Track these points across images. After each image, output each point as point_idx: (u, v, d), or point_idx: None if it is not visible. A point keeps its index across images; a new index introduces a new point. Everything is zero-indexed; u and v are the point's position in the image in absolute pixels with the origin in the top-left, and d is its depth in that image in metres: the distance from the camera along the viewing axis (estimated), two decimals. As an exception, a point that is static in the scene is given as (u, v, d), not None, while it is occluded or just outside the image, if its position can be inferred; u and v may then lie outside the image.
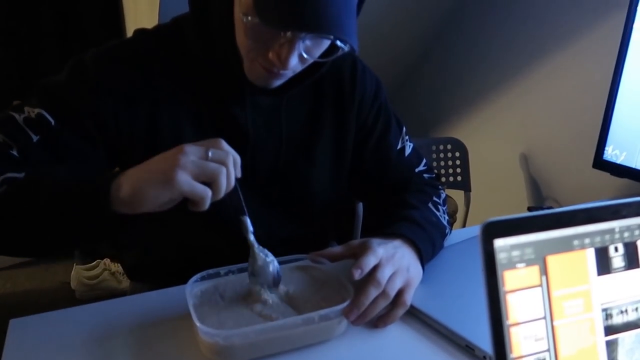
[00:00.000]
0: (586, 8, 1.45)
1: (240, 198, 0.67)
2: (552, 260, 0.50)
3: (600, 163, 1.20)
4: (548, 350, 0.49)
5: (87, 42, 2.11)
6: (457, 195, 1.65)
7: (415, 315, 0.73)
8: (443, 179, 1.61)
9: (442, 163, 1.61)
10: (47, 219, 0.61)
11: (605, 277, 0.51)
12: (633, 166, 1.13)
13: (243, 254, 0.74)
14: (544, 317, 0.49)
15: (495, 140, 1.82)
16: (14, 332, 0.68)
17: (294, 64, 0.69)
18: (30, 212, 0.61)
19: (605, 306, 0.51)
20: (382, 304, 0.70)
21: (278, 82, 0.75)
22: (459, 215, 1.62)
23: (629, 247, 0.53)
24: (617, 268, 0.52)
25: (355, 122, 0.91)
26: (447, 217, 0.93)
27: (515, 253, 0.49)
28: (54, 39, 2.10)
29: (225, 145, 0.62)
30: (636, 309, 0.52)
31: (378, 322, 0.71)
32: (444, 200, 0.98)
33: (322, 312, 0.64)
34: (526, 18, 1.65)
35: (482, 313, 0.71)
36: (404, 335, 0.70)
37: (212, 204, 0.61)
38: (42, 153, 0.70)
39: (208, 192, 0.59)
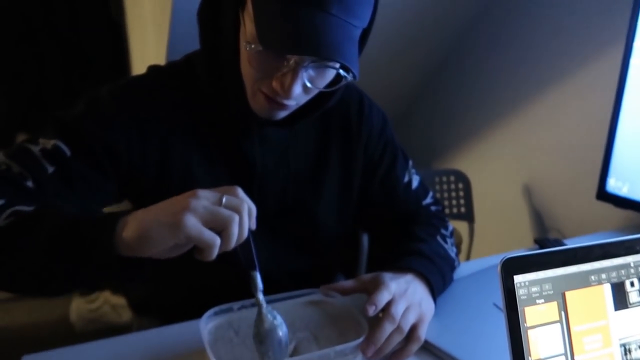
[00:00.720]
0: (586, 43, 1.49)
1: (253, 251, 0.62)
2: (571, 296, 0.51)
3: (604, 195, 1.21)
4: (570, 386, 0.49)
5: (91, 78, 2.15)
6: (461, 226, 1.66)
7: (429, 350, 0.73)
8: (447, 211, 1.62)
9: (446, 194, 1.62)
10: (47, 256, 0.59)
11: (623, 312, 0.52)
12: (636, 198, 1.15)
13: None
14: (564, 353, 0.50)
15: (498, 172, 1.83)
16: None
17: (297, 93, 0.69)
18: (31, 246, 0.59)
19: (623, 341, 0.52)
20: (397, 339, 0.70)
21: (282, 114, 0.76)
22: (463, 247, 1.62)
23: (646, 283, 0.53)
24: (634, 303, 0.53)
25: (362, 157, 0.92)
26: (455, 250, 0.93)
27: (535, 289, 0.49)
28: (59, 74, 2.13)
29: (241, 193, 0.59)
30: (655, 345, 0.53)
31: (392, 357, 0.71)
32: (452, 233, 0.98)
33: (338, 347, 0.64)
34: (527, 52, 1.69)
35: (496, 347, 0.71)
36: (419, 371, 0.70)
37: (221, 255, 0.57)
38: (57, 184, 0.70)
39: (217, 241, 0.56)
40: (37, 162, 0.70)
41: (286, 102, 0.71)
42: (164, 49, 1.47)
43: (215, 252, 0.56)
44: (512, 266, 0.48)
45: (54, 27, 2.06)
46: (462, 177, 1.64)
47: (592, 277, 0.52)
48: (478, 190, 1.66)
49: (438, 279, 0.80)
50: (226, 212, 0.56)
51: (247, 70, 0.71)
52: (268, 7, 0.64)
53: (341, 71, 0.70)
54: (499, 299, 0.83)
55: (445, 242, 0.92)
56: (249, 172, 0.82)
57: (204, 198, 0.57)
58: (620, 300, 0.52)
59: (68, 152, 0.71)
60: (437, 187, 1.62)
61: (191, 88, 0.80)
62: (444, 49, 1.97)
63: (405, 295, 0.73)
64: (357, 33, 0.68)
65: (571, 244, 0.93)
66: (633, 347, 0.52)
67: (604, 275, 0.52)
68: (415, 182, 0.99)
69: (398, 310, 0.70)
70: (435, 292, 0.78)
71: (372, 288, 0.73)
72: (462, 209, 1.63)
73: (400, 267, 0.80)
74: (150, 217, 0.57)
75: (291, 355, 0.67)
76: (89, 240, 0.57)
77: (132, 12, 1.98)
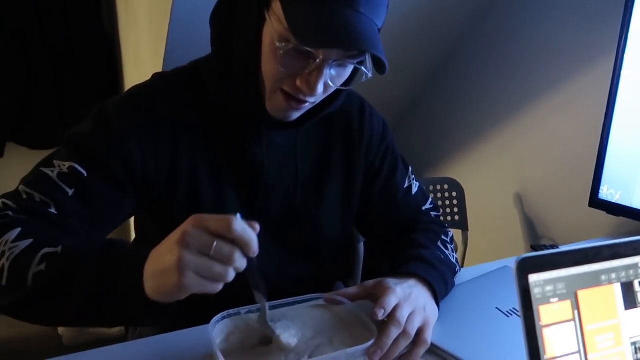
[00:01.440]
0: (577, 54, 1.53)
1: (259, 278, 0.62)
2: (583, 295, 0.52)
3: (596, 202, 1.24)
4: (584, 384, 0.50)
5: (82, 87, 2.13)
6: (455, 234, 1.67)
7: (436, 354, 0.74)
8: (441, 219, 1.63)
9: (440, 203, 1.64)
10: (83, 305, 0.61)
11: (633, 311, 0.53)
12: (628, 205, 1.17)
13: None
14: (578, 352, 0.51)
15: (491, 180, 1.86)
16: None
17: (320, 91, 0.72)
18: (68, 297, 0.61)
19: (634, 340, 0.53)
20: (404, 344, 0.70)
21: (296, 114, 0.77)
22: (458, 255, 1.64)
23: (655, 282, 0.54)
24: (643, 302, 0.54)
25: (363, 163, 0.94)
26: (455, 255, 0.94)
27: (549, 288, 0.50)
28: (50, 84, 2.11)
29: (235, 228, 0.55)
30: (666, 342, 0.54)
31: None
32: (452, 239, 1.00)
33: (349, 350, 0.65)
34: (520, 62, 1.72)
35: (500, 348, 0.72)
36: (427, 374, 0.71)
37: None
38: (78, 205, 0.71)
39: (218, 287, 0.56)
40: (57, 187, 0.70)
41: (308, 99, 0.73)
42: (161, 57, 1.47)
43: (218, 289, 0.57)
44: (527, 265, 0.49)
45: (45, 36, 2.05)
46: (456, 186, 1.66)
47: (603, 277, 0.53)
48: (471, 198, 1.68)
49: (440, 284, 0.81)
50: (217, 270, 0.55)
51: (270, 69, 0.72)
52: (298, 4, 0.66)
53: (362, 68, 0.73)
54: (501, 303, 0.85)
55: (446, 248, 0.93)
56: (256, 177, 0.83)
57: (194, 246, 0.54)
58: (630, 299, 0.53)
59: (85, 173, 0.72)
60: (431, 195, 1.64)
61: (198, 94, 0.80)
62: (437, 58, 2.00)
63: (410, 300, 0.73)
64: (377, 30, 0.71)
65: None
66: (643, 345, 0.53)
67: (613, 275, 0.53)
68: (415, 188, 1.00)
69: (403, 314, 0.71)
70: (439, 296, 0.79)
71: (379, 293, 0.74)
72: (456, 217, 1.65)
73: (403, 272, 0.81)
74: (156, 279, 0.56)
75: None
76: (121, 297, 0.59)
77: (124, 20, 1.98)
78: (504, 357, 0.71)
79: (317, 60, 0.69)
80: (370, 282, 0.80)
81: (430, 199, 1.04)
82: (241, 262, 0.55)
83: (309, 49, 0.68)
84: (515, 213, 1.74)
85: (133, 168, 0.75)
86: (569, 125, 1.56)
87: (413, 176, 1.01)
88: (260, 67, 0.73)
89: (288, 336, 0.68)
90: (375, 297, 0.75)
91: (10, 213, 0.68)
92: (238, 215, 0.55)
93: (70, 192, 0.70)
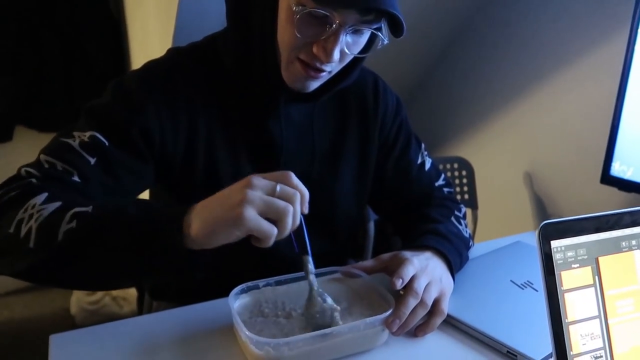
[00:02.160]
0: (589, 27, 1.51)
1: (305, 237, 0.65)
2: (604, 261, 0.52)
3: (608, 179, 1.24)
4: (604, 348, 0.51)
5: (90, 68, 2.13)
6: (464, 213, 1.68)
7: (452, 325, 0.75)
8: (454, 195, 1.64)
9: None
10: (118, 258, 0.60)
11: (652, 277, 0.54)
12: (640, 181, 1.17)
13: (274, 273, 0.77)
14: (599, 316, 0.51)
15: (501, 159, 1.86)
16: (56, 348, 0.67)
17: (337, 58, 0.71)
18: (102, 251, 0.60)
19: (653, 305, 0.53)
20: (421, 314, 0.71)
21: (314, 84, 0.77)
22: (467, 233, 1.64)
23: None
24: (662, 268, 0.54)
25: (377, 138, 0.94)
26: (468, 231, 0.95)
27: (570, 254, 0.51)
28: (57, 66, 2.11)
29: (294, 180, 0.60)
30: (686, 306, 0.54)
31: (417, 331, 0.72)
32: (464, 215, 1.00)
33: (368, 320, 0.66)
34: (530, 38, 1.71)
35: (515, 319, 0.73)
36: (444, 343, 0.72)
37: (276, 242, 0.60)
38: (101, 174, 0.71)
39: (274, 231, 0.58)
40: (79, 155, 0.70)
41: (325, 67, 0.73)
42: (170, 36, 1.47)
43: (272, 241, 0.59)
44: (550, 231, 0.50)
45: (52, 19, 2.04)
46: (465, 165, 1.66)
47: (623, 244, 0.53)
48: (481, 177, 1.68)
49: (455, 256, 0.82)
50: (281, 204, 0.58)
51: (287, 37, 0.72)
52: None
53: (379, 34, 0.73)
54: (515, 276, 0.86)
55: (459, 223, 0.94)
56: (273, 151, 0.83)
57: (259, 188, 0.58)
58: (649, 266, 0.54)
59: (106, 142, 0.72)
60: (441, 174, 1.64)
61: (214, 67, 0.80)
62: (446, 37, 1.98)
63: (427, 271, 0.74)
64: None
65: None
66: (661, 311, 0.54)
67: (634, 241, 0.54)
68: (428, 164, 1.01)
69: (421, 285, 0.72)
70: (454, 268, 0.80)
71: (395, 264, 0.75)
72: (466, 196, 1.65)
73: (418, 245, 0.81)
74: (213, 215, 0.58)
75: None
76: (162, 243, 0.59)
77: (132, 3, 1.96)
78: (520, 327, 0.72)
79: (334, 26, 0.68)
80: (386, 255, 0.81)
81: (444, 175, 1.05)
82: (298, 206, 0.59)
83: (324, 12, 0.68)
84: (525, 191, 1.74)
85: (151, 138, 0.75)
86: (580, 102, 1.55)
87: (426, 152, 1.02)
88: (276, 38, 0.73)
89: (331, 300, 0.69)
90: (392, 269, 0.76)
91: (34, 180, 0.68)
92: (292, 174, 0.60)
93: (93, 160, 0.70)
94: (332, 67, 0.74)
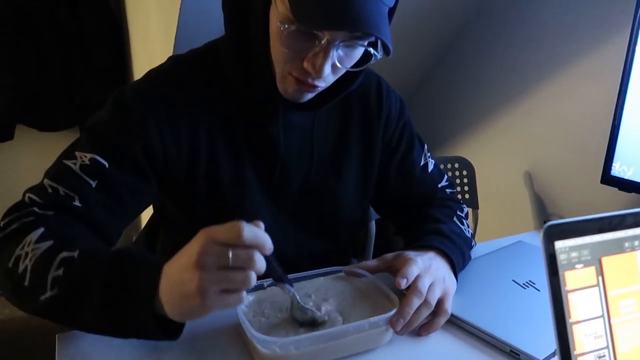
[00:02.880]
0: (590, 27, 1.52)
1: (278, 270, 0.62)
2: (607, 262, 0.53)
3: (608, 179, 1.24)
4: (607, 347, 0.52)
5: (91, 67, 2.13)
6: (464, 213, 1.69)
7: (456, 324, 0.75)
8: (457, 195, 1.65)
9: (450, 181, 1.64)
10: (98, 319, 0.61)
11: (655, 278, 0.54)
12: (641, 181, 1.18)
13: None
14: (602, 316, 0.52)
15: (501, 159, 1.86)
16: (62, 346, 0.68)
17: (328, 73, 0.70)
18: (82, 309, 0.61)
19: (655, 305, 0.54)
20: (425, 313, 0.72)
21: (309, 96, 0.77)
22: (468, 233, 1.65)
23: (679, 248, 0.55)
24: (665, 269, 0.55)
25: (380, 141, 0.94)
26: (470, 231, 0.95)
27: (574, 254, 0.51)
28: (59, 66, 2.11)
29: (246, 237, 0.53)
30: (689, 306, 0.55)
31: (421, 330, 0.73)
32: (466, 215, 1.01)
33: (372, 319, 0.66)
34: (530, 36, 1.71)
35: (518, 318, 0.74)
36: (447, 342, 0.72)
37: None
38: (102, 196, 0.72)
39: (242, 298, 0.55)
40: (80, 180, 0.72)
41: (316, 82, 0.72)
42: (172, 36, 1.47)
43: (242, 301, 0.56)
44: (554, 232, 0.50)
45: (53, 18, 2.04)
46: (466, 164, 1.66)
47: (626, 244, 0.54)
48: (482, 177, 1.68)
49: (458, 256, 0.83)
50: (238, 277, 0.53)
51: (277, 52, 0.71)
52: None
53: (371, 49, 0.71)
54: (517, 276, 0.86)
55: (462, 223, 0.94)
56: (273, 156, 0.83)
57: (211, 265, 0.53)
58: (652, 266, 0.54)
59: (106, 164, 0.73)
60: (442, 174, 1.64)
61: (215, 75, 0.80)
62: (447, 37, 1.99)
63: (430, 271, 0.75)
64: (386, 11, 0.69)
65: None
66: (664, 311, 0.54)
67: (636, 242, 0.54)
68: (431, 166, 1.01)
69: (424, 284, 0.72)
70: (457, 268, 0.81)
71: (399, 264, 0.75)
72: (467, 196, 1.66)
73: (421, 245, 0.82)
74: (176, 304, 0.56)
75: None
76: (135, 322, 0.59)
77: (133, 2, 1.97)
78: (523, 326, 0.73)
79: (323, 42, 0.67)
80: (390, 255, 0.81)
81: (447, 177, 1.05)
82: (261, 263, 0.54)
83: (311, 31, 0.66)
84: (525, 191, 1.75)
85: (153, 153, 0.75)
86: (581, 102, 1.56)
87: (429, 154, 1.02)
88: (270, 50, 0.73)
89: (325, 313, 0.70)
90: (395, 269, 0.76)
91: (36, 209, 0.70)
92: (243, 222, 0.54)
93: (94, 183, 0.72)
94: (326, 81, 0.74)
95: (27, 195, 0.73)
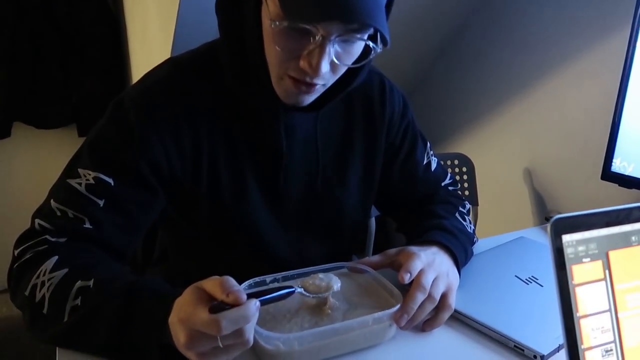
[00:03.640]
0: (591, 23, 1.51)
1: (276, 296, 0.61)
2: (614, 255, 0.52)
3: (609, 175, 1.24)
4: (614, 341, 0.52)
5: (88, 64, 2.12)
6: (464, 210, 1.68)
7: (459, 320, 0.75)
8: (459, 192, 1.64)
9: (450, 178, 1.64)
10: (107, 350, 0.63)
11: (661, 272, 0.54)
12: (641, 177, 1.18)
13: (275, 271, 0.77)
14: (609, 310, 0.52)
15: (501, 155, 1.86)
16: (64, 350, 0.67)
17: (326, 71, 0.66)
18: (96, 338, 0.63)
19: (662, 299, 0.54)
20: (429, 308, 0.72)
21: (309, 99, 0.74)
22: (468, 229, 1.65)
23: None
24: (671, 263, 0.55)
25: (384, 141, 0.92)
26: (472, 227, 0.95)
27: (581, 248, 0.51)
28: (56, 64, 2.10)
29: (225, 324, 0.52)
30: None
31: (425, 326, 0.72)
32: (469, 211, 1.00)
33: (376, 315, 0.66)
34: (531, 33, 1.71)
35: (525, 315, 0.73)
36: (451, 338, 0.72)
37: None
38: (111, 215, 0.72)
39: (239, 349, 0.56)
40: (88, 200, 0.71)
41: (315, 81, 0.69)
42: (171, 34, 1.46)
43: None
44: (561, 226, 0.50)
45: (50, 15, 2.03)
46: (465, 161, 1.66)
47: (633, 238, 0.54)
48: (482, 173, 1.68)
49: (461, 251, 0.82)
50: (233, 351, 0.56)
51: (272, 53, 0.69)
52: None
53: (370, 43, 0.68)
54: (520, 271, 0.86)
55: (464, 219, 0.94)
56: (275, 162, 0.82)
57: (202, 349, 0.55)
58: (658, 260, 0.54)
59: (111, 182, 0.72)
60: (441, 171, 1.64)
61: (215, 81, 0.78)
62: (446, 33, 1.99)
63: (434, 266, 0.75)
64: (383, 3, 0.67)
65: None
66: (670, 305, 0.54)
67: (643, 236, 0.54)
68: (434, 164, 1.00)
69: (428, 279, 0.72)
70: (459, 263, 0.80)
71: (403, 259, 0.75)
72: (466, 192, 1.65)
73: (424, 240, 0.82)
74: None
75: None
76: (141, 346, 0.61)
77: (131, 0, 1.95)
78: (526, 322, 0.73)
79: (317, 37, 0.64)
80: (393, 250, 0.81)
81: (450, 174, 1.05)
82: (250, 334, 0.55)
83: (303, 25, 0.63)
84: (525, 188, 1.75)
85: (158, 167, 0.74)
86: (581, 98, 1.56)
87: (431, 152, 1.01)
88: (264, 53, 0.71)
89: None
90: (398, 264, 0.76)
91: (48, 237, 0.70)
92: (220, 322, 0.52)
93: (101, 203, 0.71)
94: (325, 80, 0.70)
95: (36, 221, 0.73)
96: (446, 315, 0.73)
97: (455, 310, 0.75)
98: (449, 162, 1.66)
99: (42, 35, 2.04)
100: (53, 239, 0.71)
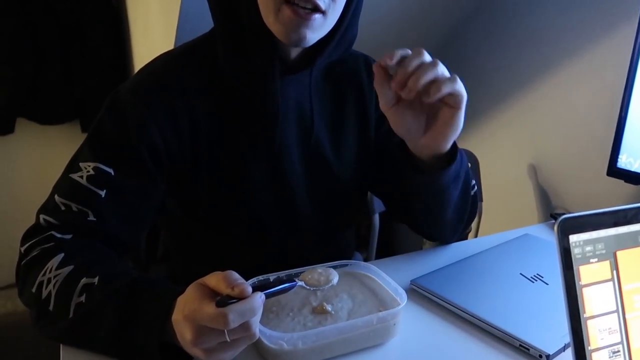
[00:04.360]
0: (597, 18, 1.50)
1: (279, 290, 0.61)
2: (622, 255, 0.52)
3: (615, 171, 1.23)
4: (621, 342, 0.51)
5: (90, 60, 2.11)
6: (468, 206, 1.68)
7: (464, 319, 0.75)
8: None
9: (454, 174, 1.63)
10: (107, 347, 0.64)
11: (670, 272, 0.53)
12: (648, 173, 1.17)
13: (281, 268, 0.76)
14: (617, 311, 0.51)
15: (505, 151, 1.85)
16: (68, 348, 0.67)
17: None
18: (97, 335, 0.63)
19: (670, 300, 0.53)
20: (431, 71, 0.68)
21: (310, 34, 0.72)
22: (473, 225, 1.64)
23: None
24: (680, 263, 0.54)
25: (374, 110, 0.92)
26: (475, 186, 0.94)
27: (588, 248, 0.50)
28: (59, 59, 2.09)
29: (231, 317, 0.52)
30: None
31: (431, 89, 0.69)
32: (473, 186, 0.98)
33: (381, 314, 0.66)
34: (536, 29, 1.69)
35: (530, 313, 0.73)
36: (456, 337, 0.71)
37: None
38: (113, 205, 0.73)
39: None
40: (89, 192, 0.72)
41: (312, 5, 0.68)
42: (173, 29, 1.45)
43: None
44: (569, 226, 0.49)
45: (52, 10, 2.02)
46: (470, 157, 1.65)
47: (641, 238, 0.53)
48: (486, 169, 1.67)
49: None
50: (241, 343, 0.56)
51: None
52: None
53: None
54: (525, 269, 0.85)
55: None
56: (271, 124, 0.81)
57: (209, 344, 0.55)
58: (667, 260, 0.54)
59: (111, 171, 0.73)
60: (445, 167, 1.63)
61: (208, 64, 0.79)
62: (451, 28, 1.97)
63: None
64: None
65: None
66: (678, 305, 0.54)
67: (651, 235, 0.53)
68: None
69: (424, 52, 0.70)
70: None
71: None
72: (470, 189, 1.65)
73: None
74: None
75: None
76: (141, 344, 0.60)
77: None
78: (532, 321, 0.72)
79: None
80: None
81: None
82: (256, 327, 0.55)
83: None
84: (530, 184, 1.74)
85: (157, 152, 0.75)
86: (587, 94, 1.54)
87: None
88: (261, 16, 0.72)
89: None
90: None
91: (54, 233, 0.71)
92: (227, 316, 0.52)
93: (103, 193, 0.72)
94: (324, 3, 0.70)
95: (41, 217, 0.73)
96: (456, 84, 0.70)
97: (459, 308, 0.74)
98: (453, 158, 1.65)
99: (44, 31, 2.04)
100: (59, 236, 0.71)
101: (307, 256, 0.89)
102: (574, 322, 0.49)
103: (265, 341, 0.62)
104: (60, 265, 0.67)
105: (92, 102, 2.13)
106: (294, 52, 0.80)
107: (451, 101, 0.72)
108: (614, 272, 0.51)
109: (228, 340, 0.54)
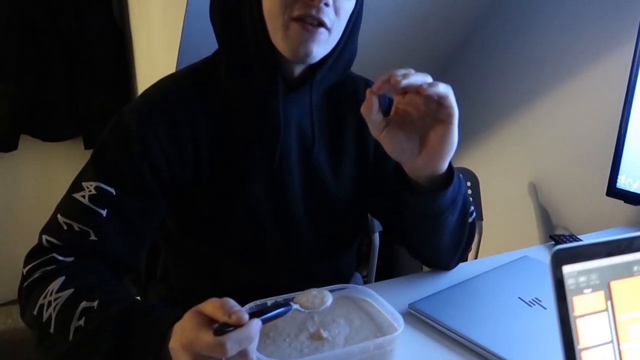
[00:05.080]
0: (596, 37, 1.51)
1: (274, 314, 0.61)
2: (616, 286, 0.52)
3: (614, 191, 1.24)
4: (616, 373, 0.51)
5: (94, 77, 2.13)
6: (468, 224, 1.67)
7: (460, 343, 0.74)
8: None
9: (454, 193, 1.63)
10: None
11: (664, 302, 0.53)
12: (647, 194, 1.17)
13: (279, 291, 0.76)
14: (611, 341, 0.51)
15: (506, 170, 1.85)
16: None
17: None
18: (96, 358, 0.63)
19: (665, 330, 0.53)
20: (421, 76, 0.70)
21: (317, 48, 0.73)
22: (473, 244, 1.63)
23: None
24: (674, 293, 0.54)
25: (373, 138, 0.93)
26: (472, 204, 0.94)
27: (582, 279, 0.51)
28: (63, 77, 2.11)
29: (229, 346, 0.52)
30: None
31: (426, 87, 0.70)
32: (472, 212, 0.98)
33: (377, 341, 0.65)
34: (536, 48, 1.71)
35: (528, 339, 0.73)
36: (453, 363, 0.71)
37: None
38: (114, 225, 0.73)
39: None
40: (91, 212, 0.73)
41: (320, 15, 0.70)
42: (176, 49, 1.47)
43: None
44: (562, 257, 0.50)
45: (57, 29, 2.05)
46: (470, 175, 1.65)
47: (635, 268, 0.53)
48: (486, 188, 1.67)
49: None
50: None
51: (271, 6, 0.72)
52: None
53: None
54: (523, 293, 0.85)
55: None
56: (273, 139, 0.82)
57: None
58: (661, 290, 0.54)
59: (113, 191, 0.74)
60: (446, 185, 1.63)
61: (210, 84, 0.81)
62: (451, 46, 1.99)
63: None
64: None
65: (584, 240, 0.95)
66: (674, 335, 0.53)
67: (645, 265, 0.53)
68: None
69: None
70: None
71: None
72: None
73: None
74: None
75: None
76: None
77: (136, 12, 1.97)
78: (530, 346, 0.72)
79: None
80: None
81: None
82: (253, 354, 0.56)
83: None
84: (530, 203, 1.74)
85: (158, 170, 0.76)
86: (586, 113, 1.55)
87: None
88: (266, 26, 0.74)
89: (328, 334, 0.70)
90: None
91: (56, 255, 0.72)
92: (225, 344, 0.52)
93: (104, 212, 0.73)
94: (329, 18, 0.72)
95: (43, 237, 0.74)
96: (442, 87, 0.71)
97: (457, 334, 0.74)
98: (453, 177, 1.65)
99: (48, 49, 2.06)
100: (61, 258, 0.72)
101: (306, 275, 0.90)
102: (569, 353, 0.49)
103: (262, 367, 0.62)
104: (61, 288, 0.68)
105: (95, 120, 2.15)
106: (297, 70, 0.81)
107: (443, 115, 0.72)
108: (609, 302, 0.51)
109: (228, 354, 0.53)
